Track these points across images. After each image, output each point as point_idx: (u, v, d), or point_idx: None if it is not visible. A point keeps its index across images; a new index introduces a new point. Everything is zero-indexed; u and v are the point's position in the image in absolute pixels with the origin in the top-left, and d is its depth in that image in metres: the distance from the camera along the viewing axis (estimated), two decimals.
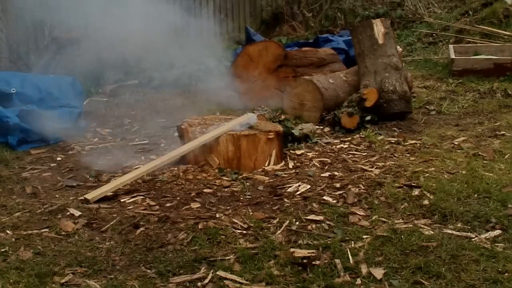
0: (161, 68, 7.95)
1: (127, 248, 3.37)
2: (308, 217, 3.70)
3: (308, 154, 4.93)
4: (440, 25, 9.66)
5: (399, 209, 3.81)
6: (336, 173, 4.48)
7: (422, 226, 3.56)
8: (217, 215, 3.74)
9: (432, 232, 3.46)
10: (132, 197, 4.09)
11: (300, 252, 3.24)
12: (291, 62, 6.54)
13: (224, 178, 4.39)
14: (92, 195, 4.05)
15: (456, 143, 5.12)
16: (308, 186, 4.21)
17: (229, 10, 10.57)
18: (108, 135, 5.76)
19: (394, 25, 9.90)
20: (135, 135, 5.72)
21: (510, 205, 3.79)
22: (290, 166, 4.66)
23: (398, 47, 6.70)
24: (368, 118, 5.64)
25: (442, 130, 5.52)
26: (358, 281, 2.97)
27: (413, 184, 4.17)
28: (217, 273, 3.06)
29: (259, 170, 4.56)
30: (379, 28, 6.14)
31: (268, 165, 4.63)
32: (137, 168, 4.57)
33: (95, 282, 3.02)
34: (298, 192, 4.12)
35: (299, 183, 4.27)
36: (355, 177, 4.35)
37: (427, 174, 4.35)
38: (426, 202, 3.88)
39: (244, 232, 3.53)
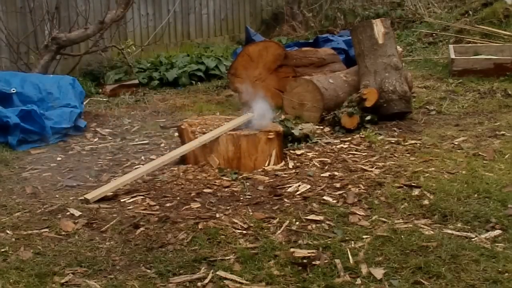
0: (161, 68, 7.96)
1: (127, 248, 3.37)
2: (308, 217, 3.70)
3: (308, 154, 4.93)
4: (440, 25, 9.66)
5: (399, 209, 3.81)
6: (336, 173, 4.48)
7: (422, 226, 3.56)
8: (217, 215, 3.74)
9: (432, 232, 3.46)
10: (132, 197, 4.09)
11: (300, 252, 3.24)
12: (291, 62, 6.53)
13: (224, 178, 4.39)
14: (92, 195, 4.05)
15: (456, 143, 5.12)
16: (308, 186, 4.21)
17: (229, 10, 10.57)
18: (108, 135, 5.76)
19: (394, 25, 9.89)
20: (135, 135, 5.73)
21: (510, 205, 3.79)
22: (290, 166, 4.66)
23: (398, 47, 6.69)
24: (368, 118, 5.63)
25: (442, 130, 5.52)
26: (358, 281, 2.97)
27: (413, 184, 4.17)
28: (217, 273, 3.06)
29: (259, 170, 4.56)
30: (379, 28, 6.13)
31: (268, 165, 4.63)
32: (137, 168, 4.58)
33: (95, 282, 3.02)
34: (298, 192, 4.12)
35: (299, 183, 4.27)
36: (355, 177, 4.35)
37: (427, 174, 4.35)
38: (426, 202, 3.88)
39: (244, 232, 3.53)
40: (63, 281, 3.03)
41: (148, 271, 3.12)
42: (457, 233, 3.46)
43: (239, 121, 4.75)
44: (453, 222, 3.61)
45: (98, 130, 5.88)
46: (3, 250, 3.34)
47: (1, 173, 4.65)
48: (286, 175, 4.47)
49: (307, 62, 6.64)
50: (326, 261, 3.15)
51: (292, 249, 3.28)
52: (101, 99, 7.13)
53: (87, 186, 4.39)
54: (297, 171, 4.55)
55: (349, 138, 5.33)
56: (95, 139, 5.62)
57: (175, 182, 4.33)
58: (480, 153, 4.81)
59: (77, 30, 7.33)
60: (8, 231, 3.59)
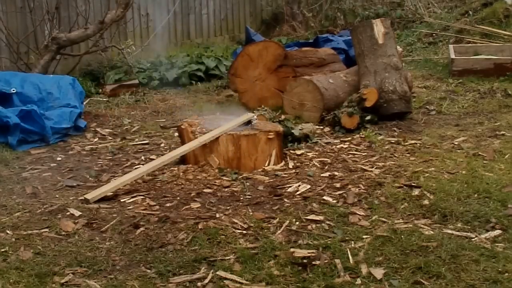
0: (161, 68, 7.96)
1: (127, 248, 3.37)
2: (308, 217, 3.70)
3: (308, 154, 4.93)
4: (440, 25, 9.66)
5: (399, 209, 3.81)
6: (336, 173, 4.48)
7: (422, 226, 3.56)
8: (217, 215, 3.74)
9: (432, 232, 3.46)
10: (132, 197, 4.09)
11: (300, 252, 3.24)
12: (291, 62, 6.53)
13: (224, 178, 4.39)
14: (92, 195, 4.05)
15: (456, 143, 5.12)
16: (308, 186, 4.21)
17: (229, 10, 10.57)
18: (108, 135, 5.76)
19: (394, 25, 9.89)
20: (135, 135, 5.73)
21: (510, 205, 3.79)
22: (290, 166, 4.66)
23: (398, 47, 6.69)
24: (368, 118, 5.64)
25: (442, 130, 5.52)
26: (358, 281, 2.97)
27: (413, 184, 4.17)
28: (217, 273, 3.06)
29: (259, 170, 4.56)
30: (379, 28, 6.13)
31: (268, 165, 4.63)
32: (137, 168, 4.58)
33: (95, 282, 3.02)
34: (298, 192, 4.12)
35: (299, 183, 4.27)
36: (355, 177, 4.35)
37: (427, 174, 4.35)
38: (426, 202, 3.88)
39: (244, 232, 3.53)
40: (63, 281, 3.03)
41: (148, 271, 3.12)
42: (457, 233, 3.46)
43: (239, 121, 4.75)
44: (453, 222, 3.61)
45: (98, 130, 5.88)
46: (3, 250, 3.34)
47: (1, 173, 4.65)
48: (286, 175, 4.47)
49: (307, 62, 6.63)
50: (326, 261, 3.15)
51: (292, 249, 3.28)
52: (101, 99, 7.13)
53: (87, 186, 4.39)
54: (297, 171, 4.55)
55: (349, 138, 5.33)
56: (95, 139, 5.62)
57: (175, 182, 4.33)
58: (480, 153, 4.81)
59: (77, 30, 7.33)
60: (8, 231, 3.59)
